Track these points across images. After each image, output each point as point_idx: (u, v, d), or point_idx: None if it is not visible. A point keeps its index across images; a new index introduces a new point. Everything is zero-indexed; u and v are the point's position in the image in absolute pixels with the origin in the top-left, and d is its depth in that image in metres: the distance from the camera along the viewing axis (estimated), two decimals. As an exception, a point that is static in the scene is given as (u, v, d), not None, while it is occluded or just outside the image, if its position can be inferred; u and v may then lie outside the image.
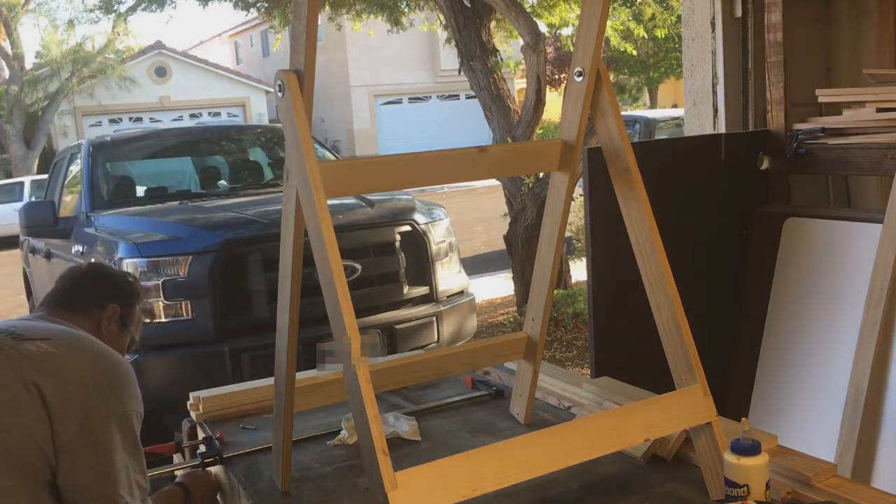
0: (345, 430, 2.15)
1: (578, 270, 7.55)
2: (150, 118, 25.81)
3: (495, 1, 6.12)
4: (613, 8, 8.29)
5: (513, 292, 7.03)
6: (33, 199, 15.18)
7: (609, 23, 8.10)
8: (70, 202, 5.69)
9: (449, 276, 4.81)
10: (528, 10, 7.43)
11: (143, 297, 2.18)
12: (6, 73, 22.71)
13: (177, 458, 2.34)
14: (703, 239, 2.99)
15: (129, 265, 4.03)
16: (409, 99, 28.16)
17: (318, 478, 1.94)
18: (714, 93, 3.49)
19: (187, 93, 26.13)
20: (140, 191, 5.56)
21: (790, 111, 3.06)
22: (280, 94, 1.52)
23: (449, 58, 20.07)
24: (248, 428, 2.30)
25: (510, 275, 7.10)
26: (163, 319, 4.00)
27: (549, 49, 14.64)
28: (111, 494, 1.68)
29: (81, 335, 1.86)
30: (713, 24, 3.45)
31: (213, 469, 2.13)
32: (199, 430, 2.36)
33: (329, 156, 6.08)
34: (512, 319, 6.60)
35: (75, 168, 5.79)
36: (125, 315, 2.08)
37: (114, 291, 2.08)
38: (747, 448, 1.53)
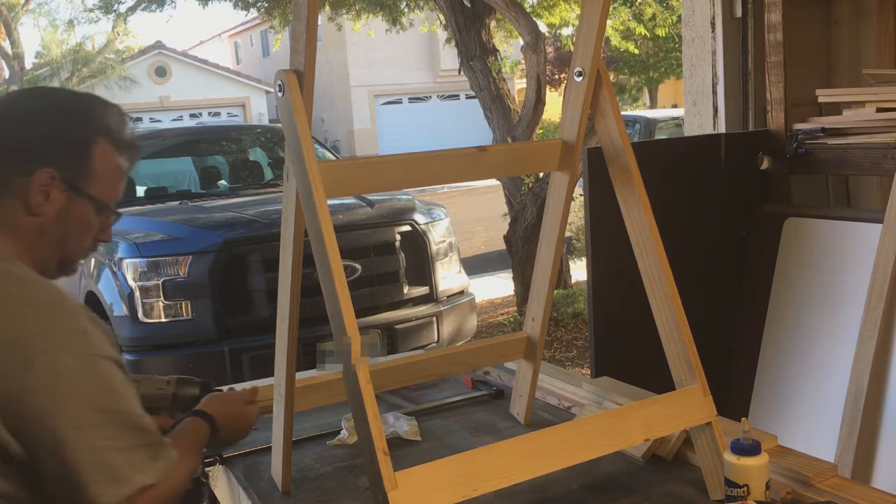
0: (345, 430, 2.15)
1: (578, 270, 7.55)
2: (150, 118, 25.81)
3: (495, 1, 6.12)
4: (614, 7, 8.30)
5: (513, 292, 7.03)
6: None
7: (609, 22, 8.11)
8: (70, 202, 5.67)
9: (449, 276, 4.82)
10: (528, 10, 7.44)
11: (114, 117, 1.40)
12: (6, 73, 22.71)
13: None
14: (703, 239, 2.99)
15: (129, 265, 4.04)
16: (409, 99, 28.16)
17: (318, 478, 1.94)
18: (714, 93, 3.49)
19: (187, 93, 26.14)
20: (140, 191, 5.57)
21: (790, 111, 3.06)
22: (280, 94, 1.52)
23: (449, 58, 20.08)
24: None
25: (510, 275, 7.10)
26: (163, 319, 4.01)
27: (549, 49, 14.65)
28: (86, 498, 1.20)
29: None
30: (713, 24, 3.45)
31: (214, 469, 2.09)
32: (199, 430, 2.36)
33: (329, 156, 6.08)
34: (512, 319, 6.60)
35: (75, 168, 5.78)
36: (74, 171, 1.34)
37: (47, 135, 1.33)
38: (747, 448, 1.53)
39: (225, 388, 1.79)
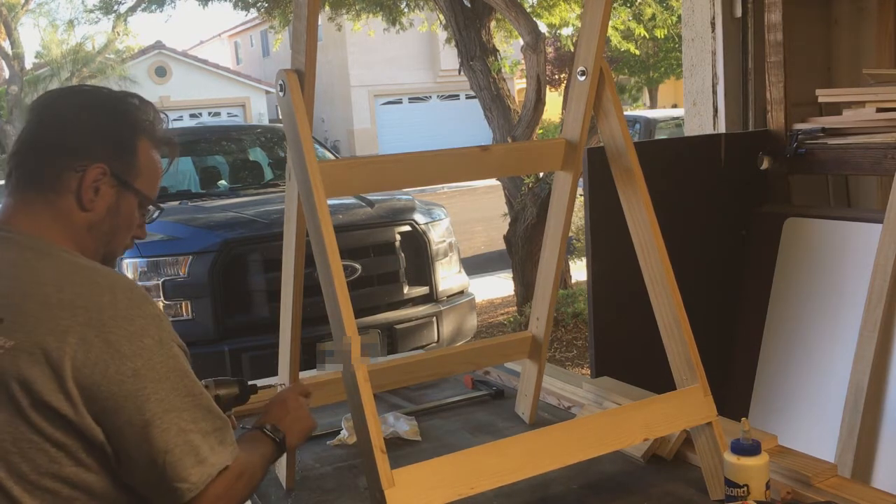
0: (345, 430, 2.15)
1: (578, 270, 7.54)
2: (150, 118, 25.71)
3: (495, 1, 6.12)
4: (614, 8, 8.29)
5: (513, 292, 7.02)
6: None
7: (610, 22, 8.10)
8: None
9: (449, 276, 4.82)
10: (528, 10, 7.44)
11: (152, 114, 1.46)
12: (6, 73, 22.68)
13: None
14: (703, 239, 2.99)
15: (129, 265, 4.03)
16: (409, 99, 28.15)
17: (318, 478, 1.94)
18: (714, 93, 3.49)
19: (187, 93, 26.10)
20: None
21: (790, 111, 3.07)
22: (281, 94, 1.52)
23: (449, 58, 20.06)
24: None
25: (510, 275, 7.10)
26: (163, 319, 4.01)
27: (549, 49, 14.65)
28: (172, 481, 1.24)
29: (40, 273, 1.25)
30: (713, 24, 3.45)
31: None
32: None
33: (329, 156, 6.08)
34: (512, 319, 6.60)
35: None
36: (122, 167, 1.37)
37: (96, 132, 1.35)
38: (747, 448, 1.53)
39: (274, 381, 1.79)
